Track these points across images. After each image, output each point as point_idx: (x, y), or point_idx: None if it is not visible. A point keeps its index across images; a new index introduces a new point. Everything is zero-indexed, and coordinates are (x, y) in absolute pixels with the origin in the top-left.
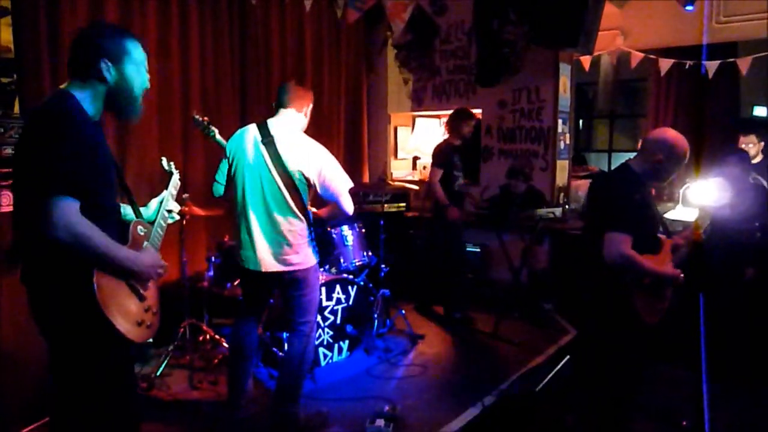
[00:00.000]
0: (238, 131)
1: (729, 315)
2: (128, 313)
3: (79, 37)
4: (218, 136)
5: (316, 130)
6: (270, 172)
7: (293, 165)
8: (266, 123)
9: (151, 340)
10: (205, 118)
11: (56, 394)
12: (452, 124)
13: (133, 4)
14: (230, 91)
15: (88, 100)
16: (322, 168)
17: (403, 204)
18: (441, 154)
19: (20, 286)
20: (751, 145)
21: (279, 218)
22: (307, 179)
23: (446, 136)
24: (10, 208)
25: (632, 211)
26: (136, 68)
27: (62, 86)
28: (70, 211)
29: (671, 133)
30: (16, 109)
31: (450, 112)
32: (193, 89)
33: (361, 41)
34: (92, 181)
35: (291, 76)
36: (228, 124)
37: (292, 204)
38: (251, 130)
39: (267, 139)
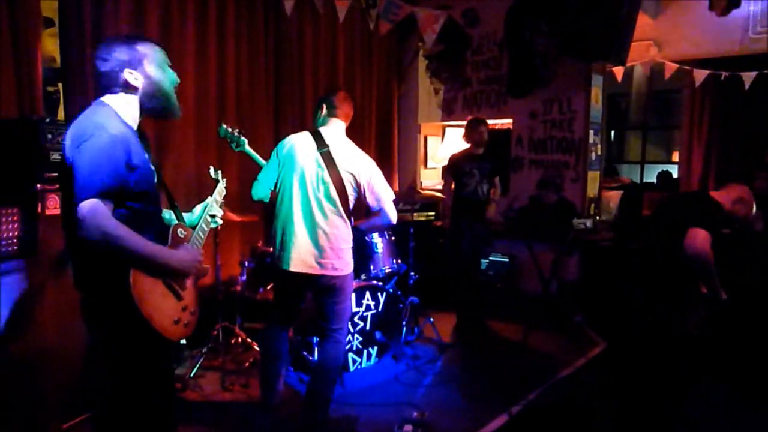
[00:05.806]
0: (290, 138)
1: None
2: (165, 312)
3: (98, 57)
4: (248, 147)
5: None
6: (324, 177)
7: (347, 171)
8: (320, 132)
9: (183, 341)
10: (235, 129)
11: (99, 390)
12: (466, 133)
13: (173, 16)
14: (264, 100)
15: (122, 109)
16: (371, 176)
17: (433, 213)
18: (449, 164)
19: (64, 286)
20: None
21: (327, 221)
22: (359, 185)
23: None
24: (57, 211)
25: (718, 222)
26: (159, 67)
27: (99, 99)
28: (100, 212)
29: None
30: (60, 115)
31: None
32: (228, 99)
33: (393, 52)
34: (129, 186)
35: (329, 85)
36: (262, 133)
37: (341, 209)
38: (305, 138)
39: (323, 147)
